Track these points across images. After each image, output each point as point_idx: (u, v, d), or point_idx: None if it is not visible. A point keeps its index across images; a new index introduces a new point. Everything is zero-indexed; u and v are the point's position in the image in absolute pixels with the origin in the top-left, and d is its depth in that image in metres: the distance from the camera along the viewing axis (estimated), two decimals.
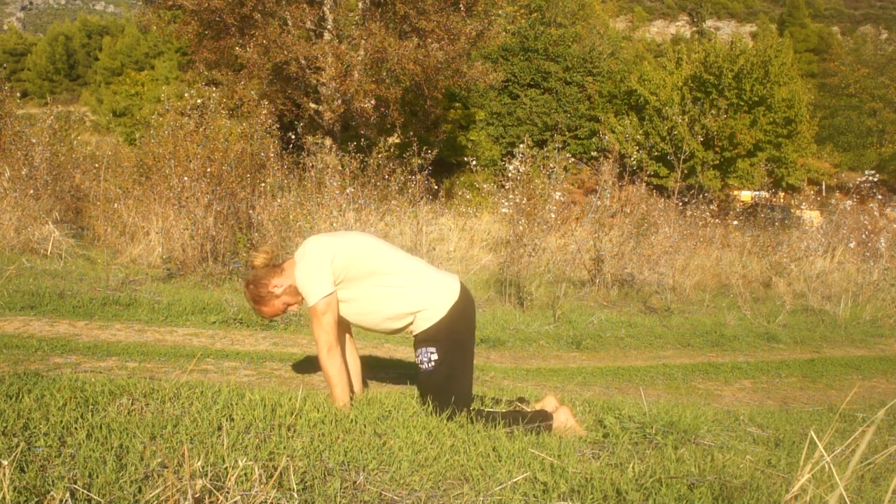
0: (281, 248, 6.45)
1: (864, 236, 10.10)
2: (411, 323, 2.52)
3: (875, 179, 11.27)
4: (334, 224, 6.93)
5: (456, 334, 2.50)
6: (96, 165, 8.31)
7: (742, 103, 23.48)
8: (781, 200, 23.16)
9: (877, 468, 2.23)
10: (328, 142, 16.72)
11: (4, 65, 9.35)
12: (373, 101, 15.86)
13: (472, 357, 2.61)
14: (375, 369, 3.92)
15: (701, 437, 2.49)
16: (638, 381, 4.21)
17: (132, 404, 2.11)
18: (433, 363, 2.46)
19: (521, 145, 8.11)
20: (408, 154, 8.38)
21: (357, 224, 7.24)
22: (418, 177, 8.01)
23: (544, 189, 8.29)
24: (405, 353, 4.44)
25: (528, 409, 2.61)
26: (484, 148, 26.76)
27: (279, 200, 7.09)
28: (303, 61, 15.64)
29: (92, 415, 1.97)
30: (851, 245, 9.79)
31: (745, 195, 22.82)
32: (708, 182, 21.85)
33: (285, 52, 15.04)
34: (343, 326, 2.63)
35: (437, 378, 2.46)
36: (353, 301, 2.48)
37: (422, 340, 2.50)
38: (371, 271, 2.46)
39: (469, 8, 15.94)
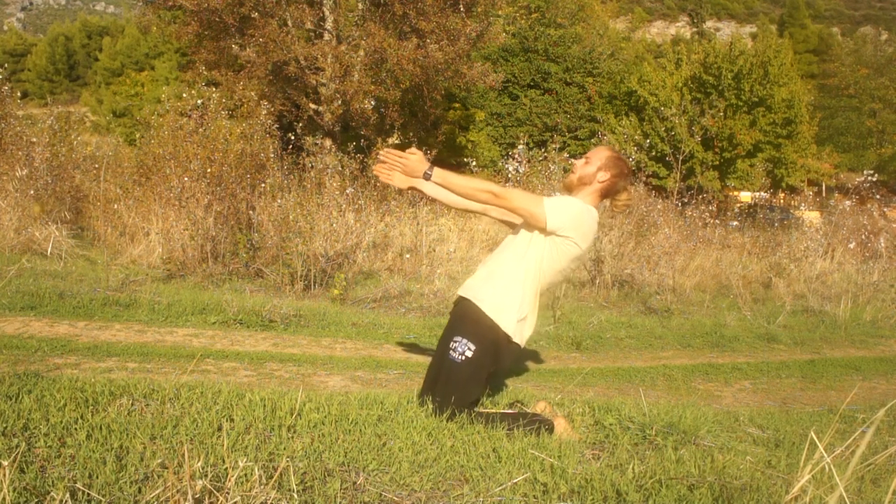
0: (281, 248, 6.45)
1: (863, 237, 10.10)
2: (501, 292, 2.47)
3: (874, 179, 11.28)
4: (334, 225, 6.92)
5: (497, 348, 2.47)
6: (96, 166, 8.31)
7: (741, 104, 23.46)
8: (781, 201, 23.17)
9: (877, 469, 2.23)
10: (328, 142, 16.73)
11: (5, 65, 9.34)
12: (372, 102, 15.87)
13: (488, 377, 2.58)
14: (375, 369, 3.92)
15: (701, 438, 2.49)
16: (638, 382, 4.21)
17: (132, 405, 2.11)
18: (464, 357, 2.42)
19: (520, 146, 8.11)
20: None
21: (357, 224, 7.24)
22: None
23: (543, 189, 8.29)
24: (405, 353, 4.44)
25: (529, 411, 2.61)
26: (483, 148, 26.80)
27: (279, 201, 7.09)
28: (302, 61, 15.65)
29: (92, 415, 1.97)
30: (851, 246, 9.78)
31: (745, 196, 22.82)
32: (707, 183, 21.85)
33: (284, 53, 15.06)
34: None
35: (459, 374, 2.42)
36: (531, 240, 2.54)
37: (470, 328, 2.45)
38: (556, 246, 2.49)
39: (469, 8, 15.95)
